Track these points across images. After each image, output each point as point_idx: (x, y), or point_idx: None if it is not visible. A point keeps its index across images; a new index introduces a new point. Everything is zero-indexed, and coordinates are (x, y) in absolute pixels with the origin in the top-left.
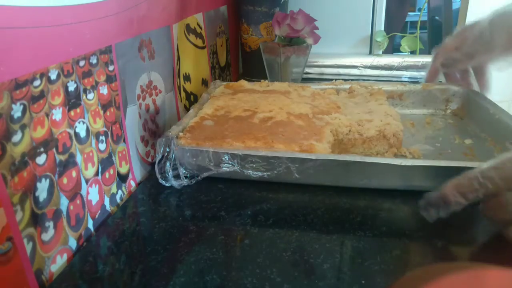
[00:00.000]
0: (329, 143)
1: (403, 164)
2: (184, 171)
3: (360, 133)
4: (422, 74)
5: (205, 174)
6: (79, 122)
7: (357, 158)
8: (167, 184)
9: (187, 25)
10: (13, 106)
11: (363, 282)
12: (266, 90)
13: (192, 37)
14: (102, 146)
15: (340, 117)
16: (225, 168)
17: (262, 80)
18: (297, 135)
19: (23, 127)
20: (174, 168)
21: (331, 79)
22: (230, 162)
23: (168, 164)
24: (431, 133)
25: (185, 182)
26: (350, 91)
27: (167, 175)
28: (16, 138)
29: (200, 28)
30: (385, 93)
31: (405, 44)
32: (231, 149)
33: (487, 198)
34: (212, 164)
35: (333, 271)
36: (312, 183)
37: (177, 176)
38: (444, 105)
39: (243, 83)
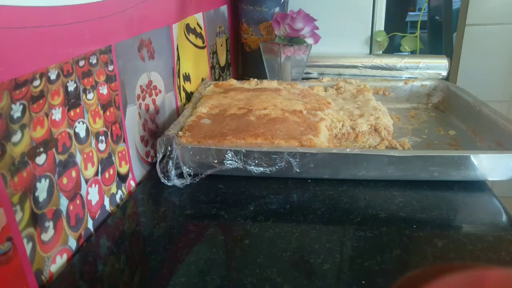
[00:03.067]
0: (325, 137)
1: (400, 155)
2: (187, 170)
3: (353, 128)
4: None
5: (209, 172)
6: (78, 122)
7: (356, 151)
8: (169, 184)
9: (187, 25)
10: (13, 106)
11: (363, 282)
12: (257, 88)
13: (192, 37)
14: (102, 146)
15: (333, 113)
16: (228, 165)
17: (251, 79)
18: (294, 131)
19: (22, 127)
20: (176, 167)
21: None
22: (233, 158)
23: (170, 163)
24: (417, 126)
25: (188, 180)
26: (337, 88)
27: (169, 174)
28: (15, 138)
29: (200, 28)
30: (370, 88)
31: (405, 44)
32: (233, 146)
33: None
34: (215, 161)
35: (333, 271)
36: (312, 177)
37: (179, 175)
38: (426, 99)
39: (232, 81)
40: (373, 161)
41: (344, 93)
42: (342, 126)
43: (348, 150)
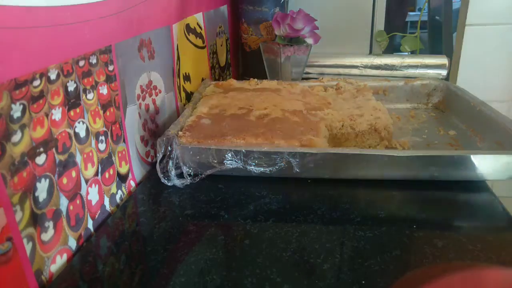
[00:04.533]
0: (325, 137)
1: (400, 155)
2: (187, 170)
3: (353, 128)
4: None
5: (209, 172)
6: (78, 122)
7: (356, 151)
8: (169, 184)
9: (187, 25)
10: (13, 106)
11: (363, 282)
12: (257, 88)
13: (192, 37)
14: (102, 146)
15: (332, 113)
16: (228, 165)
17: (251, 79)
18: (294, 131)
19: (22, 127)
20: (176, 167)
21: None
22: (233, 159)
23: (170, 163)
24: (417, 126)
25: (188, 180)
26: (337, 88)
27: (169, 174)
28: (15, 138)
29: (200, 28)
30: (370, 88)
31: (405, 44)
32: (233, 146)
33: None
34: (215, 161)
35: (333, 271)
36: (312, 177)
37: (179, 175)
38: (426, 99)
39: (232, 82)
40: (373, 161)
41: (344, 93)
42: (342, 126)
43: (348, 150)
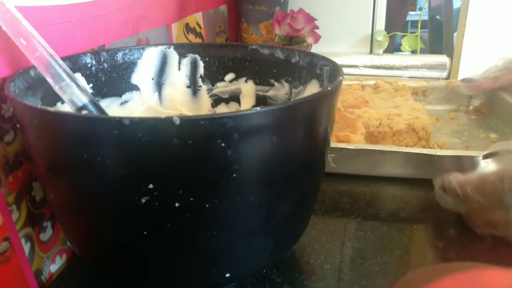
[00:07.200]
0: (362, 134)
1: (437, 154)
2: None
3: (390, 126)
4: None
5: None
6: None
7: (394, 148)
8: None
9: (187, 25)
10: (3, 105)
11: (363, 283)
12: None
13: (191, 37)
14: None
15: (370, 111)
16: None
17: None
18: None
19: (15, 126)
20: None
21: None
22: None
23: None
24: (456, 127)
25: None
26: (375, 87)
27: None
28: (8, 137)
29: (200, 27)
30: (409, 89)
31: (406, 43)
32: None
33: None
34: None
35: (333, 271)
36: (348, 172)
37: None
38: (466, 101)
39: None
40: (410, 160)
41: (382, 93)
42: (380, 124)
43: (385, 147)
